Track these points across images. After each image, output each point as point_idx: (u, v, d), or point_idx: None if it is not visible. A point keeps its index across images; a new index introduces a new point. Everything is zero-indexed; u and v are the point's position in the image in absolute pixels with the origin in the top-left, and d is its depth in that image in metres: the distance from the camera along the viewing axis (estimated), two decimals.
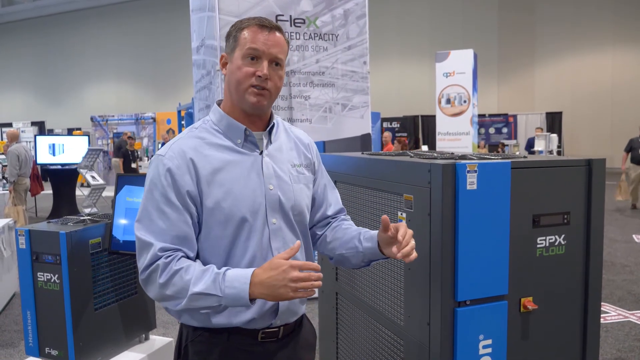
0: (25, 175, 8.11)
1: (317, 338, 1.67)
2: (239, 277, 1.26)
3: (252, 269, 1.28)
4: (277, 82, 1.41)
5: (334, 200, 1.66)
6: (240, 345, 1.40)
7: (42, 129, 22.36)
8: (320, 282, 1.25)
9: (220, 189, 1.36)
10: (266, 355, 1.43)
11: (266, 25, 1.39)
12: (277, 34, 1.41)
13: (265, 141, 1.46)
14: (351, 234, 1.54)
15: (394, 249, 1.36)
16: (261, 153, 1.44)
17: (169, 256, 1.31)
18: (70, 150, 10.40)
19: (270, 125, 1.48)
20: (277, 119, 1.52)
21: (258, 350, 1.41)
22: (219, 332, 1.40)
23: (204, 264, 1.36)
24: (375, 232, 1.48)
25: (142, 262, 1.33)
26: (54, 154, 10.33)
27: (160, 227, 1.32)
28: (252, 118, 1.44)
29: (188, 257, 1.35)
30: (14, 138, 8.39)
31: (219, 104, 1.49)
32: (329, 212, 1.64)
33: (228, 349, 1.39)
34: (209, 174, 1.36)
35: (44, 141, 10.48)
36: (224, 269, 1.30)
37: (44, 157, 10.28)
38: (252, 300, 1.26)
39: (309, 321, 1.61)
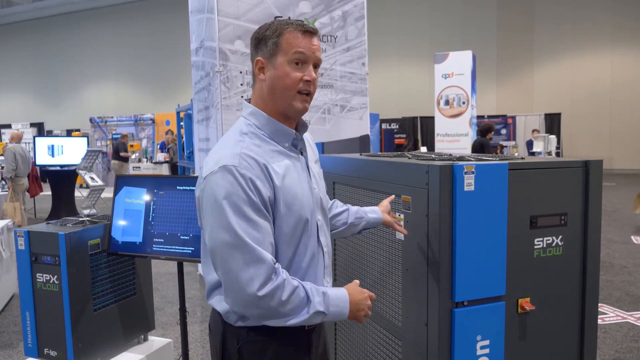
0: (22, 175, 8.23)
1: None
2: (340, 297, 1.41)
3: (343, 289, 1.44)
4: (316, 85, 1.47)
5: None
6: (291, 338, 1.46)
7: (41, 130, 22.36)
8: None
9: (289, 194, 1.40)
10: (308, 344, 1.52)
11: (309, 30, 1.43)
12: (316, 38, 1.45)
13: (303, 142, 1.54)
14: (354, 208, 1.83)
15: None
16: (302, 154, 1.51)
17: (283, 271, 1.34)
18: (69, 152, 10.40)
19: (305, 128, 1.55)
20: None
21: (303, 340, 1.50)
22: (271, 330, 1.42)
23: None
24: (372, 207, 1.85)
25: (254, 277, 1.28)
26: (52, 155, 10.34)
27: (258, 237, 1.31)
28: (290, 121, 1.48)
29: None
30: (17, 139, 8.64)
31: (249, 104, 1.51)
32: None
33: (280, 344, 1.45)
34: (280, 180, 1.39)
35: (43, 142, 10.49)
36: (322, 288, 1.40)
37: (43, 158, 10.29)
38: None
39: None
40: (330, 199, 2.50)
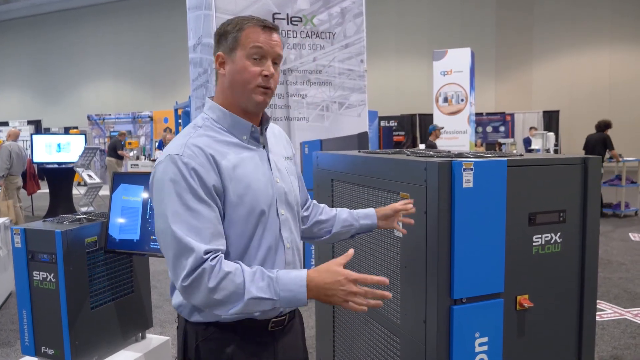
0: (16, 173, 8.19)
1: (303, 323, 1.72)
2: (294, 280, 1.28)
3: (304, 270, 1.30)
4: (277, 80, 1.46)
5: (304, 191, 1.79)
6: (252, 337, 1.43)
7: (38, 127, 22.31)
8: (379, 302, 1.28)
9: (240, 184, 1.38)
10: (274, 344, 1.47)
11: (268, 25, 1.43)
12: (277, 33, 1.45)
13: (265, 136, 1.52)
14: (344, 214, 1.76)
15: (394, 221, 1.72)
16: (264, 148, 1.50)
17: (214, 258, 1.28)
18: (67, 149, 10.38)
19: (268, 122, 1.53)
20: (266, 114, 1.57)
21: (267, 340, 1.46)
22: (231, 327, 1.41)
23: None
24: (367, 210, 1.76)
25: (182, 267, 1.27)
26: (50, 153, 10.31)
27: (196, 226, 1.29)
28: (250, 115, 1.47)
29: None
30: (12, 136, 8.57)
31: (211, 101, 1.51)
32: (307, 197, 1.77)
33: (241, 343, 1.41)
34: (229, 170, 1.38)
35: (40, 140, 10.46)
36: (273, 271, 1.30)
37: (40, 156, 10.26)
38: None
39: (298, 309, 1.67)
40: (328, 196, 2.49)
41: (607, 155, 8.98)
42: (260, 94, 1.41)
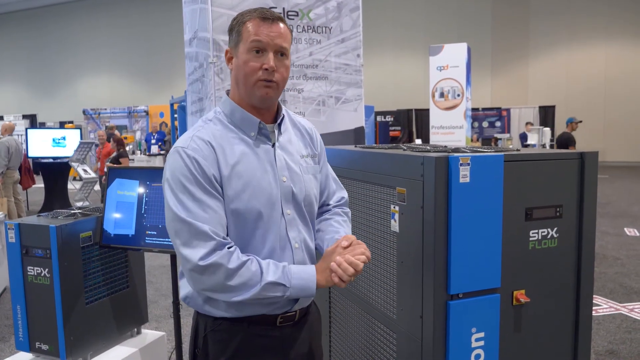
0: (13, 168, 8.10)
1: (321, 319, 1.71)
2: (304, 269, 1.38)
3: (312, 265, 1.40)
4: (284, 73, 1.43)
5: (333, 189, 1.71)
6: (260, 331, 1.44)
7: (33, 122, 22.19)
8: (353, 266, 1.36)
9: (239, 181, 1.38)
10: (283, 339, 1.47)
11: (268, 17, 1.40)
12: (280, 24, 1.42)
13: (275, 133, 1.49)
14: (331, 232, 1.59)
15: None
16: (273, 145, 1.47)
17: (231, 246, 1.33)
18: (62, 144, 10.33)
19: (281, 118, 1.51)
20: (284, 109, 1.54)
21: (276, 334, 1.46)
22: (239, 320, 1.42)
23: None
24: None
25: (199, 247, 1.29)
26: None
27: (203, 216, 1.31)
28: (261, 111, 1.46)
29: None
30: (8, 130, 8.46)
31: (227, 95, 1.51)
32: (330, 202, 1.69)
33: (248, 336, 1.42)
34: (229, 166, 1.38)
35: (35, 134, 10.40)
36: (284, 263, 1.37)
37: (35, 150, 10.20)
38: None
39: (315, 305, 1.66)
40: None
41: None
42: (262, 87, 1.40)
